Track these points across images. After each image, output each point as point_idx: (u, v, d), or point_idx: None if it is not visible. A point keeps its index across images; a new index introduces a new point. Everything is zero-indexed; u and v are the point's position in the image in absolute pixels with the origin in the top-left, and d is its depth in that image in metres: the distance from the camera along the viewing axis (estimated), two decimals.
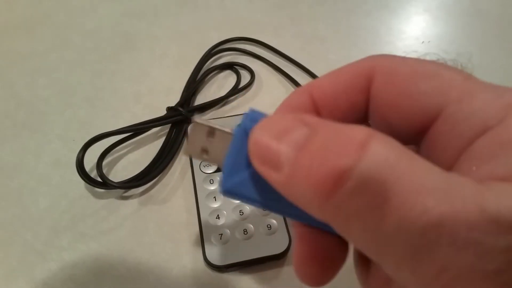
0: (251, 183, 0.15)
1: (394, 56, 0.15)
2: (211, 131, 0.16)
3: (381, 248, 0.11)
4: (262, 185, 0.15)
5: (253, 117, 0.15)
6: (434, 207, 0.10)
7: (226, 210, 0.32)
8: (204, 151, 0.16)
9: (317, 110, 0.16)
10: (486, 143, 0.13)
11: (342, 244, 0.16)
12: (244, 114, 0.16)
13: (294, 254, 0.16)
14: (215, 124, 0.16)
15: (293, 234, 0.16)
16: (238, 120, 0.16)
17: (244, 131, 0.15)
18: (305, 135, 0.12)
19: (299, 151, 0.12)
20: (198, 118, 0.17)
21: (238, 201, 0.32)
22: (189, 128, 0.16)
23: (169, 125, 0.38)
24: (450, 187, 0.11)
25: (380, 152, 0.11)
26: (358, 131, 0.11)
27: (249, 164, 0.15)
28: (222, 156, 0.16)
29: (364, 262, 0.16)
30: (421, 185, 0.11)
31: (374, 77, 0.15)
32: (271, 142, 0.13)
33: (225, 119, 0.38)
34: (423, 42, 0.49)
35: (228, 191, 0.15)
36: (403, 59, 0.15)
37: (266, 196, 0.15)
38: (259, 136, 0.13)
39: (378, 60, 0.16)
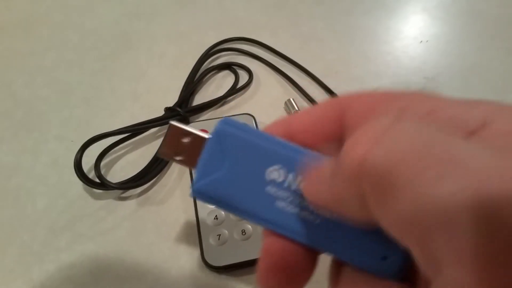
0: (222, 185, 0.16)
1: (358, 93, 0.16)
2: (186, 134, 0.17)
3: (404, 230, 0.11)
4: (233, 187, 0.16)
5: (228, 121, 0.16)
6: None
7: (224, 211, 0.32)
8: (178, 153, 0.17)
9: (291, 139, 0.17)
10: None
11: (309, 258, 0.16)
12: (219, 121, 0.16)
13: (259, 266, 0.15)
14: (190, 127, 0.17)
15: (261, 245, 0.16)
16: (213, 125, 0.16)
17: (218, 134, 0.16)
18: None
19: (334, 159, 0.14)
20: (173, 121, 0.17)
21: None
22: (167, 130, 0.17)
23: (167, 126, 0.37)
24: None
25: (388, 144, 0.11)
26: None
27: (221, 167, 0.16)
28: (195, 159, 0.16)
29: (335, 277, 0.16)
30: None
31: (344, 110, 0.16)
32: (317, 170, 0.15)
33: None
34: (421, 41, 0.49)
35: (198, 191, 0.16)
36: (361, 95, 0.16)
37: (237, 198, 0.16)
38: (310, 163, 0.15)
39: (345, 98, 0.17)
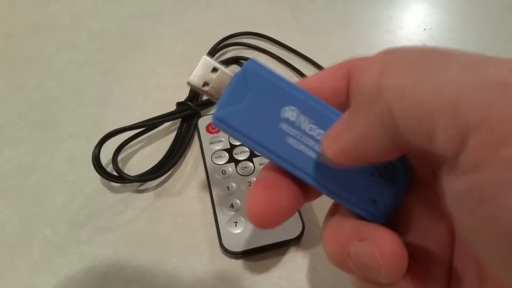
0: (241, 115, 0.17)
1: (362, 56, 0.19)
2: (215, 69, 0.19)
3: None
4: (250, 119, 0.17)
5: (255, 62, 0.18)
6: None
7: (240, 199, 0.33)
8: (205, 83, 0.19)
9: None
10: None
11: (299, 193, 0.18)
12: (248, 60, 0.18)
13: (248, 194, 0.18)
14: (221, 64, 0.19)
15: (263, 166, 0.19)
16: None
17: (245, 70, 0.18)
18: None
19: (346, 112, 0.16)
20: (206, 55, 0.19)
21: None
22: (200, 61, 0.19)
23: (179, 120, 0.38)
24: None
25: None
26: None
27: (243, 99, 0.17)
28: (219, 91, 0.19)
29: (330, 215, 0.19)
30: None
31: (351, 69, 0.19)
32: (333, 129, 0.16)
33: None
34: (424, 29, 0.49)
35: (219, 118, 0.17)
36: (365, 56, 0.18)
37: (252, 129, 0.17)
38: (326, 133, 0.17)
39: (351, 59, 0.19)
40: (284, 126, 0.17)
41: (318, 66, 0.44)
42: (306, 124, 0.18)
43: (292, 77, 0.44)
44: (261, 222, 0.17)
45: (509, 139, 0.10)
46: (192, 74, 0.19)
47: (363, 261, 0.15)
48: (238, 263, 0.31)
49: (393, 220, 0.18)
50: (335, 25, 0.50)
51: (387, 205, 0.18)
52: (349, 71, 0.19)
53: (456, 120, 0.11)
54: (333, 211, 0.19)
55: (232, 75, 0.18)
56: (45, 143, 0.39)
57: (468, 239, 0.12)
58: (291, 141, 0.18)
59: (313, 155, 0.18)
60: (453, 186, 0.12)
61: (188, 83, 0.19)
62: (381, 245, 0.15)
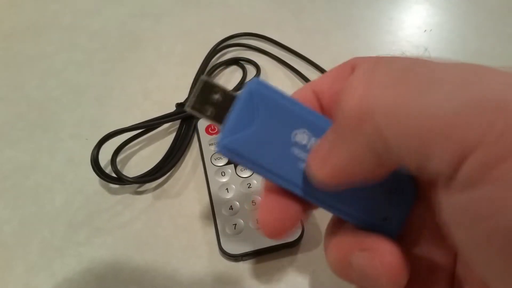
0: (251, 142, 0.16)
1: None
2: (217, 91, 0.17)
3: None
4: (260, 145, 0.16)
5: (259, 82, 0.16)
6: None
7: (239, 201, 0.33)
8: (207, 108, 0.17)
9: (318, 99, 0.19)
10: None
11: (303, 210, 0.17)
12: (251, 80, 0.17)
13: (261, 202, 0.17)
14: (221, 85, 0.17)
15: (264, 187, 0.18)
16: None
17: (250, 92, 0.16)
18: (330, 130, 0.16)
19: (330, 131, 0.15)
20: (205, 76, 0.17)
21: (249, 192, 0.33)
22: (197, 84, 0.17)
23: (179, 121, 0.38)
24: None
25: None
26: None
27: (250, 124, 0.16)
28: (222, 116, 0.17)
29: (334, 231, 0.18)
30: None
31: (356, 66, 0.18)
32: (319, 148, 0.16)
33: None
34: (425, 30, 0.49)
35: (226, 147, 0.16)
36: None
37: (263, 156, 0.16)
38: (311, 156, 0.16)
39: (357, 58, 0.18)
40: (296, 151, 0.16)
41: (318, 67, 0.44)
42: None
43: (292, 78, 0.44)
44: (273, 233, 0.17)
45: (505, 158, 0.10)
46: (189, 99, 0.17)
47: (365, 271, 0.15)
48: (237, 266, 0.31)
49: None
50: (336, 25, 0.50)
51: (398, 221, 0.17)
52: (354, 70, 0.18)
53: (452, 142, 0.11)
54: (335, 221, 0.19)
55: (235, 95, 0.17)
56: (44, 143, 0.39)
57: (465, 253, 0.13)
58: (302, 166, 0.16)
59: None
60: (450, 202, 0.12)
61: (188, 108, 0.17)
62: (382, 255, 0.15)
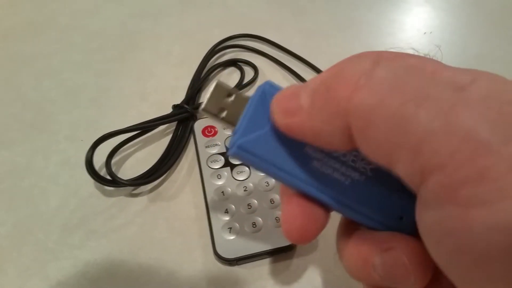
0: (263, 142, 0.16)
1: None
2: (230, 93, 0.18)
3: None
4: (274, 146, 0.16)
5: (272, 84, 0.17)
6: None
7: (235, 204, 0.33)
8: (221, 110, 0.18)
9: None
10: None
11: (324, 212, 0.17)
12: (261, 85, 0.17)
13: (282, 212, 0.18)
14: (234, 88, 0.18)
15: (282, 196, 0.18)
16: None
17: (263, 93, 0.17)
18: (314, 87, 0.15)
19: (313, 94, 0.15)
20: (219, 80, 0.18)
21: (245, 194, 0.33)
22: (211, 87, 0.18)
23: (175, 123, 0.38)
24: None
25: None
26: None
27: (264, 125, 0.16)
28: (236, 117, 0.17)
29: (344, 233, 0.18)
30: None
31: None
32: (291, 96, 0.16)
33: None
34: (425, 33, 0.49)
35: (242, 148, 0.16)
36: None
37: (278, 156, 0.16)
38: (281, 94, 0.16)
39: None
40: (310, 150, 0.17)
41: (317, 70, 0.44)
42: None
43: (291, 80, 0.43)
44: (300, 237, 0.17)
45: (468, 183, 0.11)
46: (205, 101, 0.18)
47: (392, 271, 0.15)
48: (232, 270, 0.31)
49: None
50: (336, 27, 0.50)
51: (413, 219, 0.17)
52: None
53: (417, 159, 0.12)
54: (347, 225, 0.18)
55: (248, 97, 0.17)
56: (39, 144, 0.38)
57: (438, 264, 0.13)
58: (317, 164, 0.17)
59: (341, 178, 0.17)
60: (422, 216, 0.13)
61: (203, 110, 0.18)
62: (408, 252, 0.15)
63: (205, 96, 0.18)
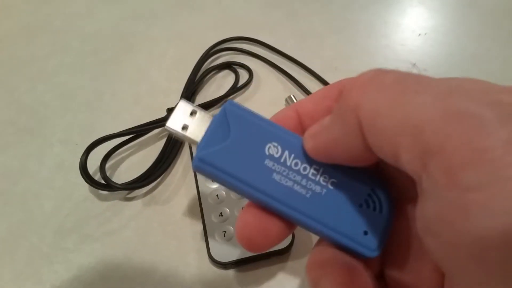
0: (223, 155, 0.17)
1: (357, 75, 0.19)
2: (194, 112, 0.19)
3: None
4: (234, 158, 0.17)
5: (233, 103, 0.18)
6: None
7: (229, 208, 0.33)
8: (184, 128, 0.19)
9: (300, 119, 0.19)
10: None
11: (283, 226, 0.18)
12: (226, 102, 0.18)
13: (238, 218, 0.18)
14: (198, 107, 0.19)
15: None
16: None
17: (224, 111, 0.18)
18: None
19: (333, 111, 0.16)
20: (183, 100, 0.19)
21: (239, 198, 0.33)
22: (176, 105, 0.19)
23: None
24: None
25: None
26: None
27: (224, 139, 0.17)
28: (199, 134, 0.18)
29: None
30: None
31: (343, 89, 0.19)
32: (318, 123, 0.17)
33: None
34: (419, 34, 0.49)
35: (201, 160, 0.17)
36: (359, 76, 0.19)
37: (238, 168, 0.17)
38: (312, 126, 0.17)
39: (346, 79, 0.19)
40: (270, 164, 0.17)
41: (311, 72, 0.44)
42: (290, 160, 0.17)
43: (285, 83, 0.43)
44: (250, 246, 0.17)
45: (465, 165, 0.11)
46: (169, 119, 0.19)
47: None
48: (227, 274, 0.31)
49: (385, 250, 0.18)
50: (330, 29, 0.50)
51: (379, 235, 0.17)
52: (341, 91, 0.18)
53: (418, 143, 0.12)
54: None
55: (211, 117, 0.18)
56: (33, 148, 0.38)
57: (437, 261, 0.13)
58: (277, 177, 0.17)
59: (302, 191, 0.17)
60: (421, 211, 0.13)
61: (166, 128, 0.19)
62: None
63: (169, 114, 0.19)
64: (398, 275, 0.18)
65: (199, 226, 0.32)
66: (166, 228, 0.33)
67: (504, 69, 0.45)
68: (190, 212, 0.34)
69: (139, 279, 0.31)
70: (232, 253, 0.31)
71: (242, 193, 0.18)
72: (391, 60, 0.46)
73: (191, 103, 0.19)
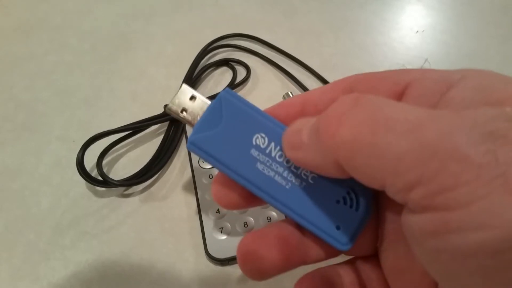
0: (214, 140, 0.18)
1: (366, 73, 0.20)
2: (194, 97, 0.20)
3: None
4: (222, 144, 0.18)
5: (229, 91, 0.19)
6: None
7: None
8: (184, 110, 0.20)
9: (304, 106, 0.20)
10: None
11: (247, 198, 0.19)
12: (222, 90, 0.19)
13: (215, 179, 0.19)
14: (198, 93, 0.21)
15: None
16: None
17: (219, 99, 0.19)
18: (311, 125, 0.16)
19: (310, 132, 0.16)
20: (185, 84, 0.21)
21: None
22: (178, 89, 0.21)
23: (167, 123, 0.38)
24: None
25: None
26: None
27: (216, 126, 0.18)
28: (196, 117, 0.20)
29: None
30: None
31: (355, 84, 0.19)
32: (296, 132, 0.17)
33: None
34: (417, 31, 0.49)
35: (193, 143, 0.18)
36: (368, 74, 0.19)
37: (225, 154, 0.18)
38: (289, 129, 0.18)
39: (355, 76, 0.20)
40: (255, 153, 0.18)
41: (309, 69, 0.44)
42: (275, 151, 0.18)
43: (282, 80, 0.43)
44: (221, 204, 0.19)
45: (442, 189, 0.12)
46: (171, 101, 0.20)
47: None
48: (224, 270, 0.31)
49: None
50: (328, 26, 0.50)
51: (351, 231, 0.18)
52: (352, 85, 0.19)
53: (398, 181, 0.13)
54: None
55: (209, 103, 0.20)
56: (31, 145, 0.38)
57: (422, 263, 0.14)
58: (260, 167, 0.18)
59: (282, 182, 0.18)
60: (407, 220, 0.14)
61: (166, 109, 0.20)
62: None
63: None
64: (392, 260, 0.18)
65: (196, 223, 0.32)
66: (164, 224, 0.33)
67: (502, 66, 0.45)
68: (187, 208, 0.34)
69: (136, 276, 0.31)
70: (229, 249, 0.31)
71: (228, 176, 0.19)
72: (389, 57, 0.46)
73: (192, 88, 0.21)
